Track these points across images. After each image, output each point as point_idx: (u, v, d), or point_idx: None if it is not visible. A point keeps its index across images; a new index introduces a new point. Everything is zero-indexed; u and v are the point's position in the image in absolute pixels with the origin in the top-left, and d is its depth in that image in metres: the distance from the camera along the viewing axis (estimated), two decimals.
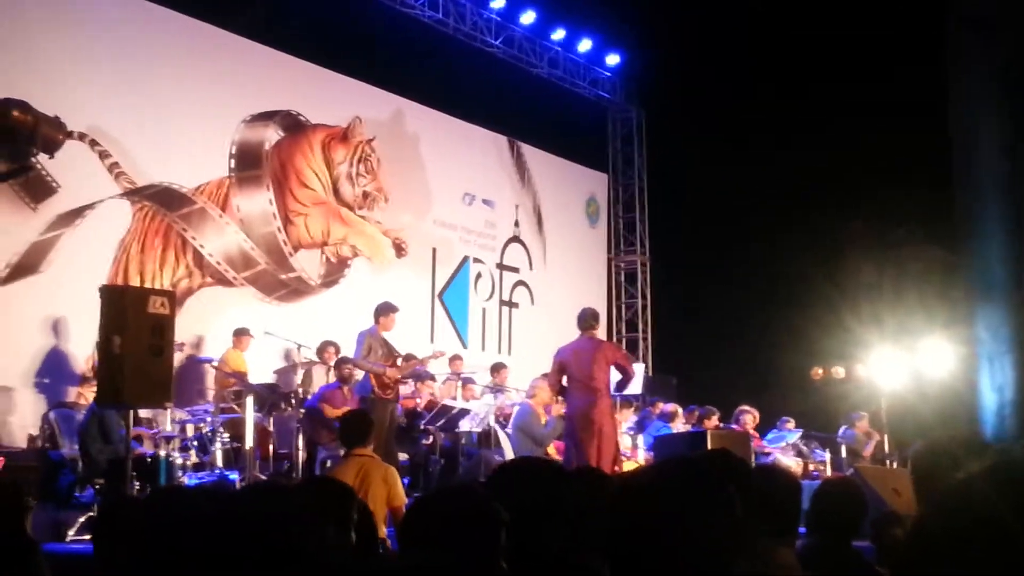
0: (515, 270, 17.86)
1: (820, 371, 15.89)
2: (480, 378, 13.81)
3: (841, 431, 14.27)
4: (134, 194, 12.28)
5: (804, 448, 14.04)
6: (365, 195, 14.98)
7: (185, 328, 11.32)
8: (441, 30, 15.94)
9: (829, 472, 13.07)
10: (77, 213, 11.66)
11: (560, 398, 10.69)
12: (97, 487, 8.82)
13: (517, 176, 18.08)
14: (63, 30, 11.72)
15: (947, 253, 12.01)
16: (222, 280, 13.11)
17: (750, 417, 13.38)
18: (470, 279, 16.93)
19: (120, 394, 7.57)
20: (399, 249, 15.52)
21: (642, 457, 12.13)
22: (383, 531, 6.07)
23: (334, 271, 14.62)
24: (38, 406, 10.93)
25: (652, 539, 1.93)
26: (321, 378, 12.31)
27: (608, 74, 19.23)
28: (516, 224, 17.97)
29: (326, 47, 14.26)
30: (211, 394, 11.80)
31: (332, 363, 12.20)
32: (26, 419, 10.85)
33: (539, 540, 2.94)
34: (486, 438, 12.19)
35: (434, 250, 16.29)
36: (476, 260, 17.07)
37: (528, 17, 17.13)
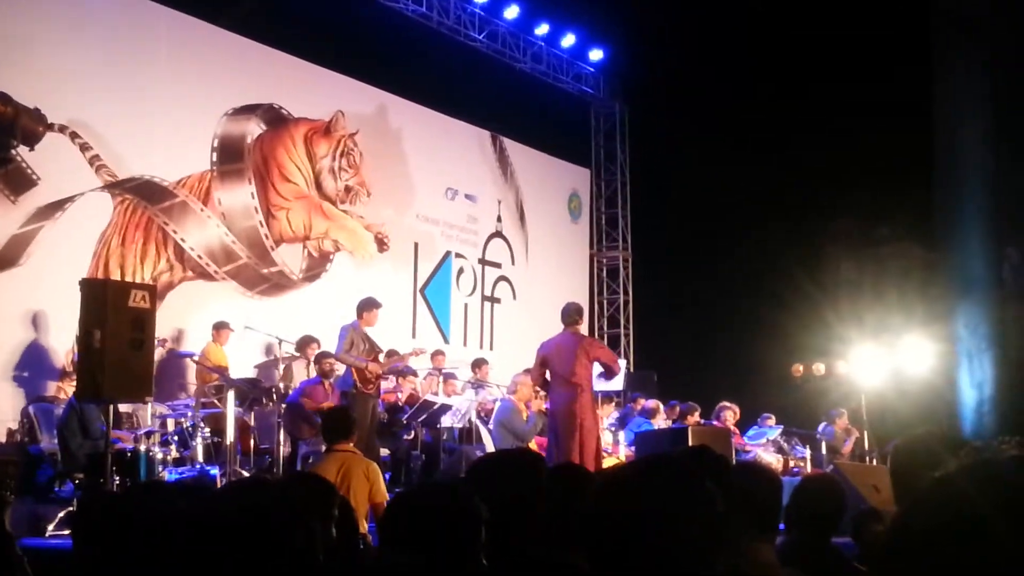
0: (497, 265, 17.85)
1: (801, 368, 15.93)
2: (462, 373, 13.83)
3: (821, 428, 14.32)
4: (115, 187, 12.22)
5: (785, 444, 14.09)
6: (347, 189, 14.94)
7: (166, 322, 11.29)
8: (425, 24, 15.91)
9: (809, 469, 13.12)
10: (57, 206, 11.60)
11: (543, 392, 10.70)
12: (77, 481, 8.77)
13: (500, 171, 18.07)
14: (44, 22, 11.65)
15: (927, 251, 12.08)
16: (203, 274, 13.06)
17: (731, 413, 13.41)
18: (452, 274, 16.92)
19: (100, 388, 7.53)
20: (381, 244, 15.50)
21: (623, 453, 12.15)
22: (364, 527, 6.07)
23: (316, 265, 14.59)
24: (17, 400, 10.88)
25: (633, 536, 1.93)
26: (302, 373, 12.27)
27: (591, 69, 19.23)
28: (498, 219, 17.96)
29: (309, 41, 14.21)
30: (192, 388, 11.76)
31: (313, 358, 12.18)
32: (5, 413, 10.78)
33: (519, 535, 2.94)
34: (467, 434, 12.19)
35: (416, 245, 16.28)
36: (458, 255, 17.06)
37: (512, 12, 17.12)
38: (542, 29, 17.81)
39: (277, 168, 14.09)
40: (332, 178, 14.74)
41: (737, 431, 13.37)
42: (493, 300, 17.70)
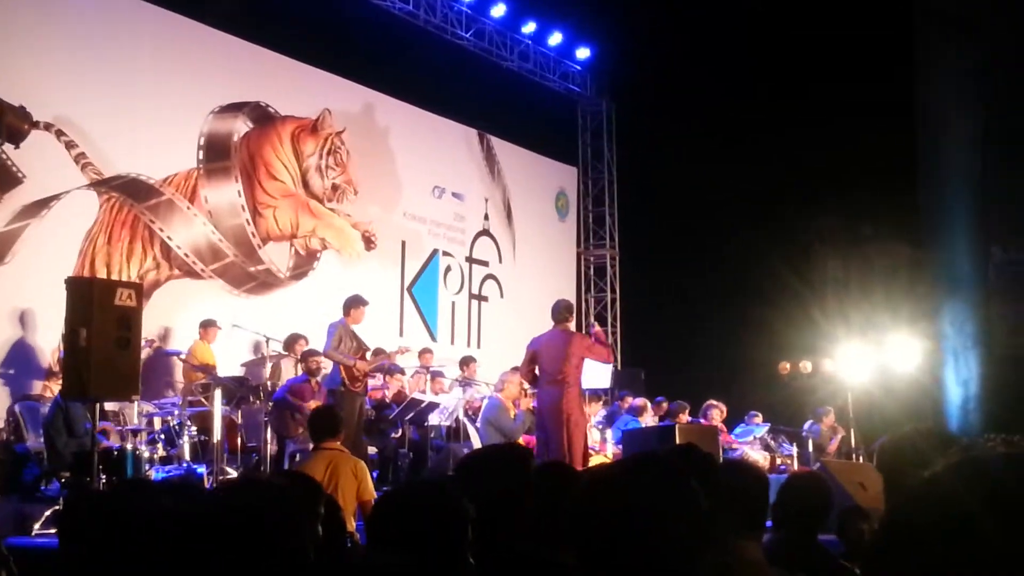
0: (484, 263, 17.85)
1: (787, 366, 15.95)
2: (449, 371, 13.83)
3: (807, 425, 14.36)
4: (101, 185, 12.17)
5: (772, 442, 14.13)
6: (334, 187, 14.92)
7: (152, 321, 11.26)
8: (412, 22, 15.89)
9: (796, 466, 13.15)
10: (43, 204, 11.55)
11: (532, 389, 10.71)
12: (63, 480, 8.75)
13: (487, 169, 18.07)
14: (29, 19, 11.59)
15: (913, 249, 12.11)
16: (190, 272, 13.03)
17: (718, 411, 13.43)
18: (439, 272, 16.91)
19: (86, 387, 7.50)
20: (368, 242, 15.48)
21: (611, 451, 12.16)
22: (352, 525, 6.06)
23: (303, 264, 14.57)
24: (3, 399, 10.83)
25: (619, 534, 1.93)
26: (290, 371, 12.26)
27: (578, 68, 19.24)
28: (486, 217, 17.96)
29: (296, 38, 14.18)
30: (179, 387, 11.73)
31: (300, 355, 12.16)
32: None
33: (506, 531, 2.94)
34: (455, 432, 12.19)
35: (403, 243, 16.26)
36: (445, 253, 17.05)
37: (499, 10, 17.12)
38: (529, 27, 17.82)
39: (264, 166, 14.06)
40: (319, 176, 14.72)
41: (724, 429, 13.39)
42: (480, 298, 17.70)
